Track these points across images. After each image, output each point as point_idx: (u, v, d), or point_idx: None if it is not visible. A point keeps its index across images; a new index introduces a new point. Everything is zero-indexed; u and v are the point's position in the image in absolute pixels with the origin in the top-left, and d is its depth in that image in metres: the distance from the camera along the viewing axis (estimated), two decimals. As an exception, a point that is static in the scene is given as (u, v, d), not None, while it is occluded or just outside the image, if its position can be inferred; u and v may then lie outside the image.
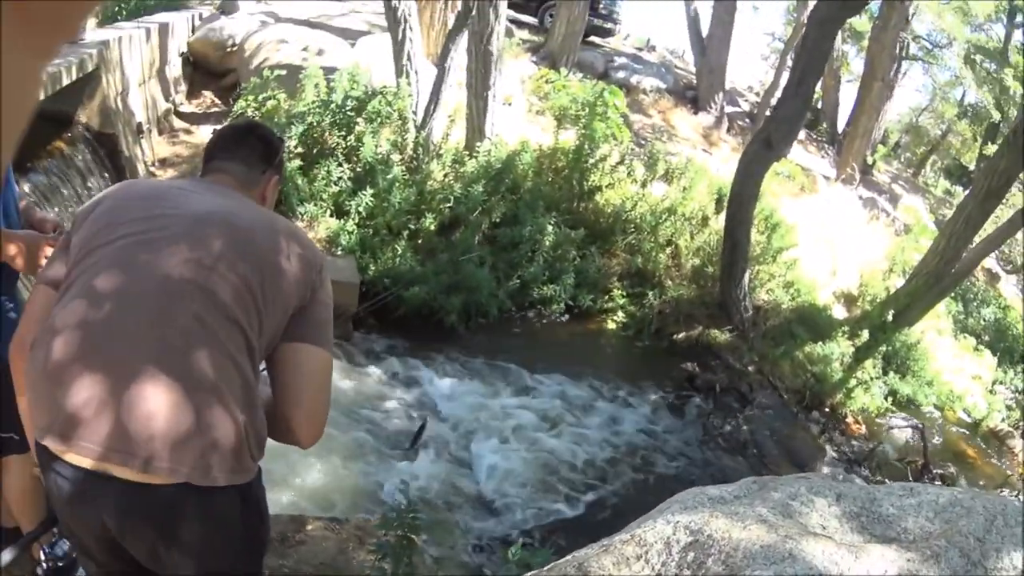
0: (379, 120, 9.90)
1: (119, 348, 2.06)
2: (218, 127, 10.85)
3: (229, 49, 12.93)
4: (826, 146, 22.43)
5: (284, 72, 10.25)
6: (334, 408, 6.94)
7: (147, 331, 2.07)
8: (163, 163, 10.39)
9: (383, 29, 11.85)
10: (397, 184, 9.24)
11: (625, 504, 6.93)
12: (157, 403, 2.01)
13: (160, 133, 10.97)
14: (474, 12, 10.14)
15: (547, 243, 9.69)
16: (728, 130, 19.35)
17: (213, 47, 13.06)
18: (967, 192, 15.79)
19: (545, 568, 2.18)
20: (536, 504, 6.70)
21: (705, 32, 19.82)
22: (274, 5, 15.17)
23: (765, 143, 10.00)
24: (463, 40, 10.34)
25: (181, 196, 2.37)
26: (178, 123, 11.69)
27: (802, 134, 21.54)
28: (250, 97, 10.13)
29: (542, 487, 6.94)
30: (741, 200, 10.21)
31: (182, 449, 2.01)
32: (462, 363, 8.51)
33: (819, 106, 24.00)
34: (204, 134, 11.22)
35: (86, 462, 2.02)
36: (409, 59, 10.50)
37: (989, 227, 13.77)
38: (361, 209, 9.07)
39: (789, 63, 18.09)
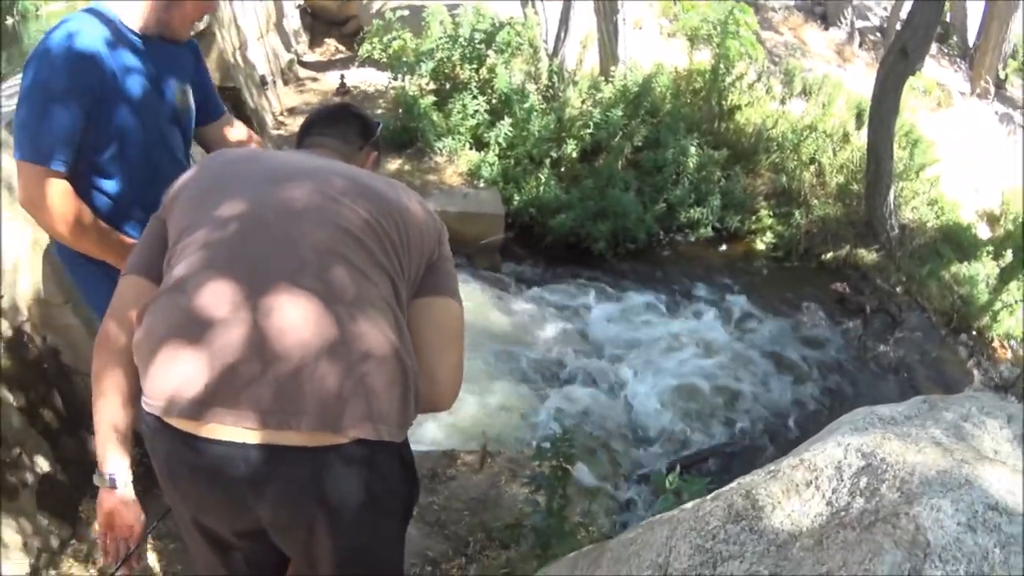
0: (510, 51, 9.68)
1: (253, 285, 1.91)
2: (345, 72, 10.80)
3: (347, -2, 12.86)
4: (958, 60, 21.51)
5: (407, 12, 10.11)
6: (485, 339, 6.80)
7: (279, 258, 1.96)
8: (291, 112, 10.30)
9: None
10: (535, 113, 9.01)
11: (783, 428, 6.75)
12: (306, 341, 1.86)
13: (286, 83, 10.93)
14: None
15: (691, 165, 9.35)
16: (860, 45, 18.66)
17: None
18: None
19: (709, 496, 1.98)
20: (691, 431, 6.47)
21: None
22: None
23: (901, 53, 9.52)
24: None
25: (284, 155, 2.37)
26: (303, 72, 11.66)
27: (934, 48, 20.79)
28: (375, 40, 10.02)
29: (696, 413, 6.69)
30: (881, 115, 9.75)
31: (348, 400, 1.85)
32: (611, 290, 8.28)
33: (948, 19, 23.08)
34: (331, 80, 11.20)
35: (241, 434, 1.83)
36: (532, -11, 10.29)
37: None
38: (500, 140, 8.87)
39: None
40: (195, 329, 1.86)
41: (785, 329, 8.39)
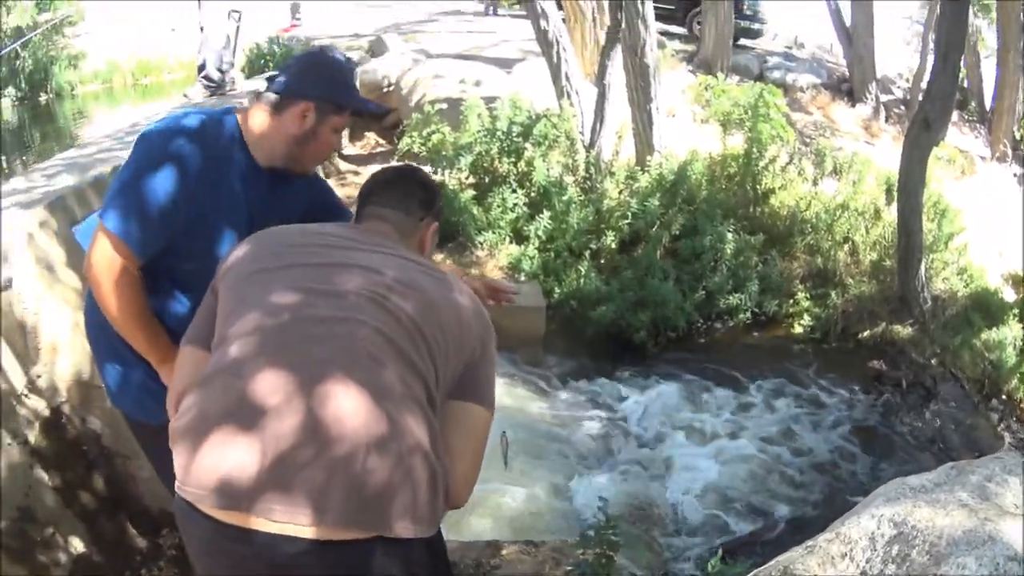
0: (547, 143, 9.75)
1: (307, 375, 1.90)
2: (384, 166, 10.92)
3: (386, 89, 12.98)
4: (977, 125, 21.62)
5: (445, 106, 10.29)
6: (528, 432, 6.81)
7: (330, 351, 1.95)
8: (334, 206, 10.23)
9: (536, 55, 11.75)
10: (574, 205, 9.08)
11: (825, 507, 6.62)
12: (359, 430, 1.86)
13: (327, 176, 10.86)
14: (623, 26, 9.90)
15: (728, 251, 9.35)
16: (886, 119, 18.74)
17: (368, 89, 13.08)
18: None
19: (749, 575, 2.05)
20: (733, 516, 6.43)
21: (848, 23, 19.31)
22: (423, 42, 15.22)
23: (924, 124, 9.56)
24: (618, 56, 10.13)
25: (338, 235, 2.31)
26: (344, 166, 11.77)
27: (954, 116, 20.84)
28: (414, 133, 10.14)
29: (738, 499, 6.65)
30: (909, 188, 9.75)
31: (395, 495, 1.85)
32: (651, 378, 8.27)
33: (965, 85, 23.17)
34: (372, 173, 11.07)
35: (292, 528, 1.79)
36: (567, 80, 10.37)
37: None
38: (540, 233, 8.92)
39: (931, 45, 17.73)
40: (249, 414, 1.85)
41: (826, 410, 8.35)
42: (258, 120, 2.75)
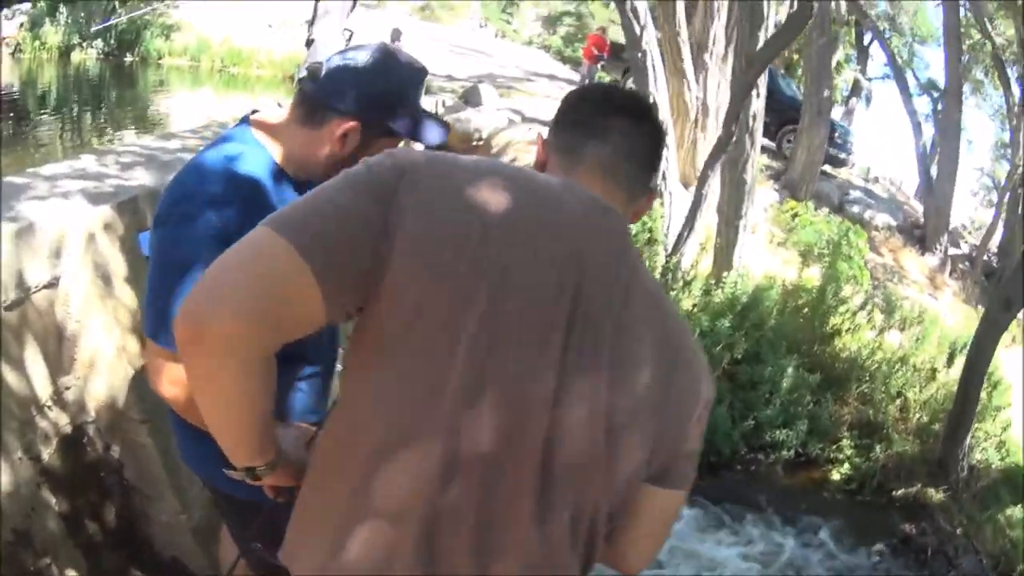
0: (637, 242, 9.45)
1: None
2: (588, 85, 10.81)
3: (475, 142, 12.82)
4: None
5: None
6: None
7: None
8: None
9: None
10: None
11: None
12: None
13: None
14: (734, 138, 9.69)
15: (785, 385, 9.04)
16: (951, 273, 18.54)
17: (459, 138, 12.99)
18: None
19: None
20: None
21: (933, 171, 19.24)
22: (518, 101, 15.12)
23: (1004, 304, 9.35)
24: (718, 167, 9.84)
25: (537, 220, 1.53)
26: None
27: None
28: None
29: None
30: (977, 362, 9.51)
31: None
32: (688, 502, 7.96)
33: (1030, 248, 23.02)
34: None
35: None
36: (664, 179, 10.17)
37: None
38: None
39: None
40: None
41: (847, 566, 8.08)
42: (289, 132, 2.25)
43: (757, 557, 7.58)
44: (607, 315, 1.54)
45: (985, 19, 20.98)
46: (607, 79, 26.94)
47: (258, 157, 2.19)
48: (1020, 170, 19.88)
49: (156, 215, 2.09)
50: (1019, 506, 9.64)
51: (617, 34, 23.17)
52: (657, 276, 9.45)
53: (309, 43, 22.95)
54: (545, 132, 1.83)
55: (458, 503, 1.47)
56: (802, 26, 10.51)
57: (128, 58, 22.01)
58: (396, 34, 20.87)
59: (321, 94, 2.19)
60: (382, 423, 1.50)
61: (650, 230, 9.61)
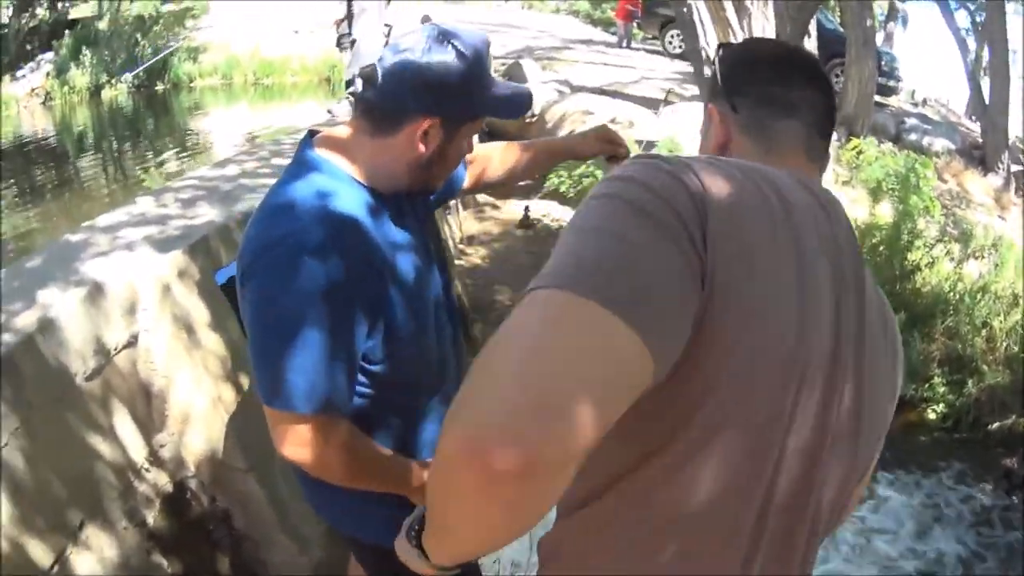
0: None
1: None
2: (529, 203, 10.50)
3: (528, 120, 12.56)
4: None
5: (597, 146, 9.87)
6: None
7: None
8: (471, 240, 9.90)
9: (681, 97, 11.35)
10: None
11: None
12: None
13: (465, 208, 10.49)
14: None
15: (870, 328, 8.85)
16: (1016, 191, 18.09)
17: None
18: None
19: None
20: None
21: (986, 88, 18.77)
22: (561, 71, 14.91)
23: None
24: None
25: (824, 237, 1.31)
26: (482, 198, 11.10)
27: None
28: (563, 172, 9.66)
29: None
30: None
31: None
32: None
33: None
34: (512, 209, 10.72)
35: None
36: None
37: None
38: None
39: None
40: None
41: (951, 507, 7.90)
42: (362, 147, 2.05)
43: (857, 512, 7.30)
44: (865, 332, 1.36)
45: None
46: (641, 36, 26.71)
47: (351, 191, 2.00)
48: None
49: (245, 264, 1.91)
50: None
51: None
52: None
53: (340, 43, 23.04)
54: (715, 106, 1.61)
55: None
56: None
57: (159, 86, 22.13)
58: (426, 21, 20.81)
59: (389, 98, 1.99)
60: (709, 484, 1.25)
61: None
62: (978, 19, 32.59)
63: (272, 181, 4.87)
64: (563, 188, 9.73)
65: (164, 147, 16.67)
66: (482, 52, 2.03)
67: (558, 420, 0.92)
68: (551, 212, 10.40)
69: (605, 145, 2.76)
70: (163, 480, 3.36)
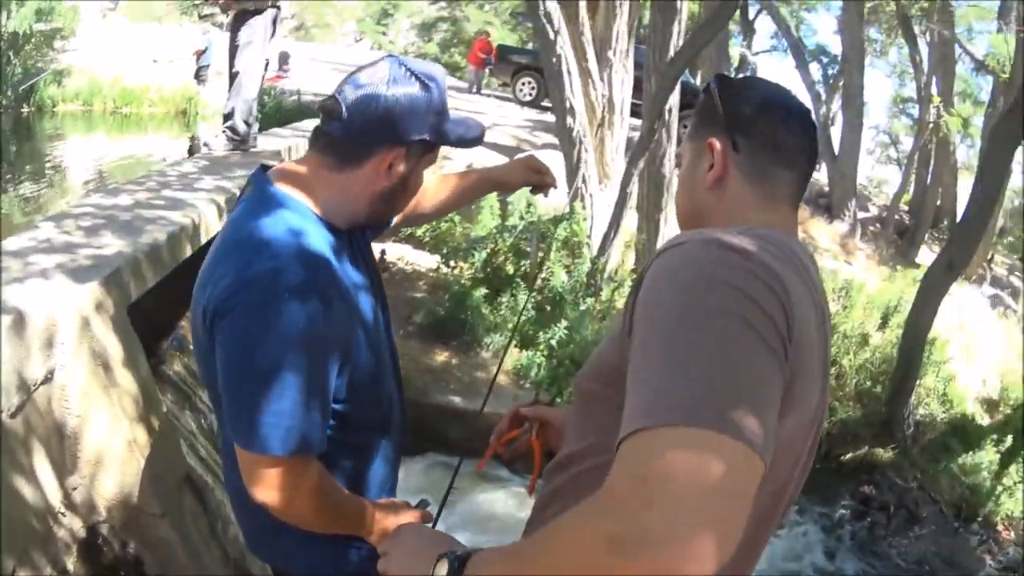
0: (565, 248, 9.59)
1: None
2: (384, 246, 10.56)
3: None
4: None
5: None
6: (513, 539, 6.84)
7: None
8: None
9: (532, 146, 11.63)
10: (589, 317, 8.89)
11: None
12: None
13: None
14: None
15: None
16: (861, 237, 18.92)
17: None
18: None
19: None
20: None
21: (835, 138, 19.58)
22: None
23: (947, 267, 9.70)
24: (641, 163, 9.90)
25: (820, 308, 1.49)
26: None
27: (927, 234, 21.14)
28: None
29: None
30: (919, 323, 9.97)
31: None
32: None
33: (938, 203, 23.58)
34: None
35: None
36: (584, 182, 10.26)
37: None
38: (554, 342, 8.54)
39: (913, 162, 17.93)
40: None
41: (813, 532, 8.56)
42: (323, 182, 2.06)
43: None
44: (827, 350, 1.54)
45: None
46: (495, 83, 27.08)
47: (318, 229, 2.00)
48: (931, 125, 20.33)
49: (219, 300, 1.85)
50: (971, 453, 10.30)
51: (500, 37, 23.12)
52: (585, 279, 9.63)
53: (198, 75, 22.54)
54: (716, 139, 1.64)
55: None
56: (727, 20, 10.65)
57: (24, 109, 21.49)
58: (284, 57, 20.62)
59: (356, 131, 2.00)
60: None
61: (576, 234, 9.72)
62: (830, 72, 33.91)
63: (169, 213, 4.89)
64: (419, 232, 9.99)
65: (21, 174, 16.32)
66: (442, 83, 2.09)
67: (728, 547, 1.06)
68: (405, 255, 10.53)
69: (532, 175, 2.83)
70: (77, 525, 3.24)
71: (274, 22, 7.62)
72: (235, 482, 2.05)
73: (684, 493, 1.04)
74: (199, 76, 22.23)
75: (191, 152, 8.01)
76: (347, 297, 2.00)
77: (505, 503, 7.34)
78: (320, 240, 1.97)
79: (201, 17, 30.63)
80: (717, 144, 1.63)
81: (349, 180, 2.05)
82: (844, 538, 8.66)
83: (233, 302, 1.83)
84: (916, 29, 23.10)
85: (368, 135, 2.00)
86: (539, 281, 9.21)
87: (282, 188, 2.03)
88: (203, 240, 5.01)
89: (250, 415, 1.83)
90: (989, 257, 21.38)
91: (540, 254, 9.19)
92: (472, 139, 2.22)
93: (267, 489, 1.90)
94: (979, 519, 9.77)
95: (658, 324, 1.25)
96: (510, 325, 8.79)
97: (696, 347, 1.17)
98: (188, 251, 4.77)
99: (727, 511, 1.06)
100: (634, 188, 10.00)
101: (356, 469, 2.25)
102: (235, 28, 7.52)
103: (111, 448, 3.37)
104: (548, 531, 1.19)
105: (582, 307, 8.95)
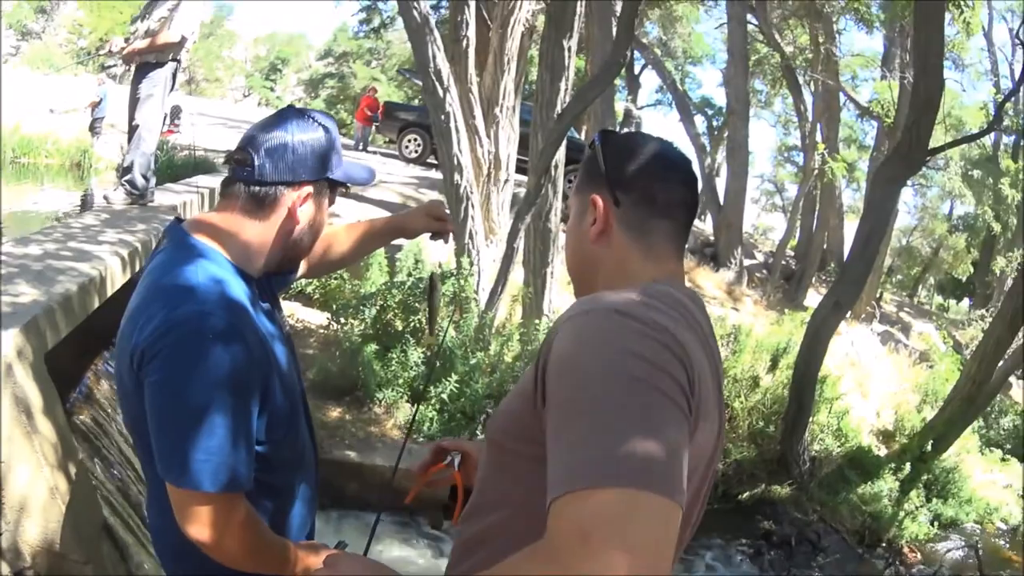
0: (455, 303, 9.64)
1: None
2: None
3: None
4: (838, 286, 22.52)
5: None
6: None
7: None
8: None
9: (418, 203, 11.67)
10: (479, 371, 8.98)
11: None
12: None
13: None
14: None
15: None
16: (748, 283, 19.30)
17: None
18: (994, 311, 16.08)
19: None
20: None
21: (720, 187, 19.97)
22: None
23: (834, 306, 10.09)
24: (528, 218, 10.07)
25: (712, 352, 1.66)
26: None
27: (814, 278, 21.62)
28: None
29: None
30: (810, 362, 10.34)
31: None
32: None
33: (824, 246, 24.12)
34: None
35: None
36: (471, 238, 10.35)
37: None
38: (445, 396, 8.67)
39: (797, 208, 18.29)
40: None
41: (720, 570, 8.77)
42: (238, 230, 2.16)
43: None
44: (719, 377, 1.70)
45: (773, 31, 21.98)
46: (381, 140, 27.19)
47: (235, 279, 2.10)
48: (816, 172, 20.86)
49: (146, 343, 1.92)
50: (870, 483, 10.86)
51: (387, 93, 23.08)
52: (473, 334, 9.70)
53: (93, 127, 22.13)
54: (598, 195, 1.74)
55: None
56: (614, 76, 10.80)
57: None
58: (176, 111, 20.41)
59: (267, 177, 2.12)
60: None
61: (463, 289, 9.79)
62: (715, 124, 34.62)
63: (78, 265, 4.96)
64: (308, 289, 10.08)
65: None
66: (333, 124, 2.25)
67: None
68: (296, 313, 10.65)
69: (432, 222, 2.91)
70: (4, 572, 3.28)
71: (174, 75, 7.61)
72: (160, 526, 2.19)
73: (620, 546, 1.20)
74: (93, 128, 21.85)
75: (84, 206, 7.90)
76: (264, 342, 2.08)
77: (423, 553, 7.45)
78: (238, 289, 2.08)
79: (103, 68, 30.36)
80: (599, 200, 1.73)
81: (263, 225, 2.17)
82: (747, 574, 8.85)
83: (162, 343, 1.90)
84: (800, 79, 23.72)
85: (278, 179, 2.13)
86: (439, 330, 9.25)
87: (199, 239, 2.12)
88: (109, 292, 5.05)
89: (181, 453, 1.90)
90: (879, 295, 21.95)
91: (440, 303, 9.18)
92: (364, 180, 2.39)
93: (199, 526, 1.96)
94: (883, 544, 10.24)
95: (576, 392, 1.38)
96: (400, 381, 8.85)
97: (616, 414, 1.31)
98: (96, 302, 4.80)
99: (655, 557, 1.22)
100: (521, 243, 10.12)
101: (277, 509, 2.31)
102: (136, 80, 7.48)
103: (34, 494, 3.43)
104: (494, 572, 1.36)
105: (472, 361, 9.00)
